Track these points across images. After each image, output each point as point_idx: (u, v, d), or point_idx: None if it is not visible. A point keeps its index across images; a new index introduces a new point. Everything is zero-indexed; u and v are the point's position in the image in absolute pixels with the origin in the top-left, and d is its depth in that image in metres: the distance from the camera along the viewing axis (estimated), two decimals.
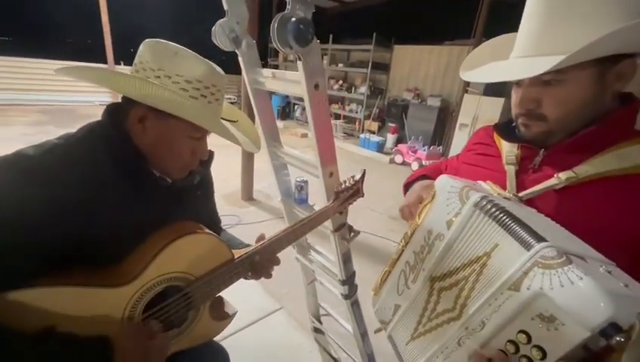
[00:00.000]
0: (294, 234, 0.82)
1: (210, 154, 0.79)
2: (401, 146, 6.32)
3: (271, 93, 1.22)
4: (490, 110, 5.84)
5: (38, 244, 0.53)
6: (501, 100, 5.72)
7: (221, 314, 0.74)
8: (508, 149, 0.71)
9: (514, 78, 0.60)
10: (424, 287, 0.66)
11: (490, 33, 5.99)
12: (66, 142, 0.61)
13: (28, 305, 0.50)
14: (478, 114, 6.02)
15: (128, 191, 0.64)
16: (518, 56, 0.63)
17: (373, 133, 7.47)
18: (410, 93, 7.26)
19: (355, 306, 1.38)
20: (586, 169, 0.58)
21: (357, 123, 8.09)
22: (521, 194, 0.61)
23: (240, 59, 1.05)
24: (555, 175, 0.61)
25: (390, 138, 7.05)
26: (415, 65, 7.36)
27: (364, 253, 2.96)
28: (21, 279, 0.51)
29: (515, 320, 0.48)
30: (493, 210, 0.52)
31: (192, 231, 0.64)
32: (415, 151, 6.02)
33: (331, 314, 1.76)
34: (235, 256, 0.71)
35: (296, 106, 9.73)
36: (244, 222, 3.36)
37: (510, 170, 0.68)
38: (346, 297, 1.33)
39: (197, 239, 0.65)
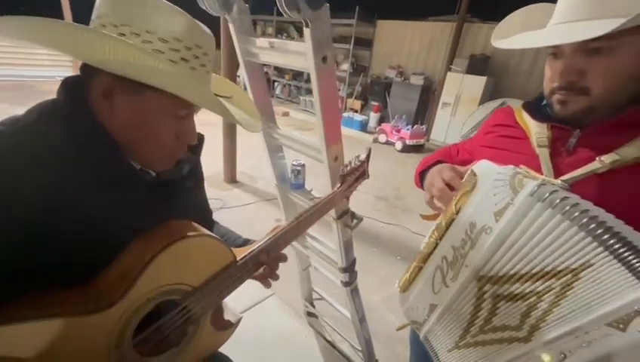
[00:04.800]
0: (300, 227, 0.74)
1: (200, 138, 0.65)
2: (385, 125, 6.28)
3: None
4: (473, 89, 5.84)
5: None
6: (483, 79, 5.72)
7: (224, 323, 0.65)
8: (537, 130, 0.66)
9: (568, 41, 0.55)
10: (469, 287, 0.61)
11: (474, 10, 5.93)
12: (10, 129, 0.46)
13: None
14: (460, 93, 6.02)
15: (101, 190, 0.51)
16: (561, 22, 0.57)
17: (356, 111, 7.36)
18: (393, 71, 7.14)
19: (355, 293, 1.34)
20: (632, 151, 0.54)
21: (339, 101, 7.93)
22: (561, 180, 0.56)
23: (230, 26, 0.92)
24: (596, 158, 0.56)
25: (373, 117, 6.97)
26: (399, 42, 7.21)
27: None
28: None
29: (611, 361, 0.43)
30: (568, 207, 0.46)
31: (185, 236, 0.53)
32: (399, 131, 5.99)
33: (325, 299, 1.73)
34: (238, 257, 0.62)
35: (276, 83, 9.39)
36: (229, 206, 3.24)
37: (544, 153, 0.63)
38: (346, 284, 1.28)
39: (192, 243, 0.55)
